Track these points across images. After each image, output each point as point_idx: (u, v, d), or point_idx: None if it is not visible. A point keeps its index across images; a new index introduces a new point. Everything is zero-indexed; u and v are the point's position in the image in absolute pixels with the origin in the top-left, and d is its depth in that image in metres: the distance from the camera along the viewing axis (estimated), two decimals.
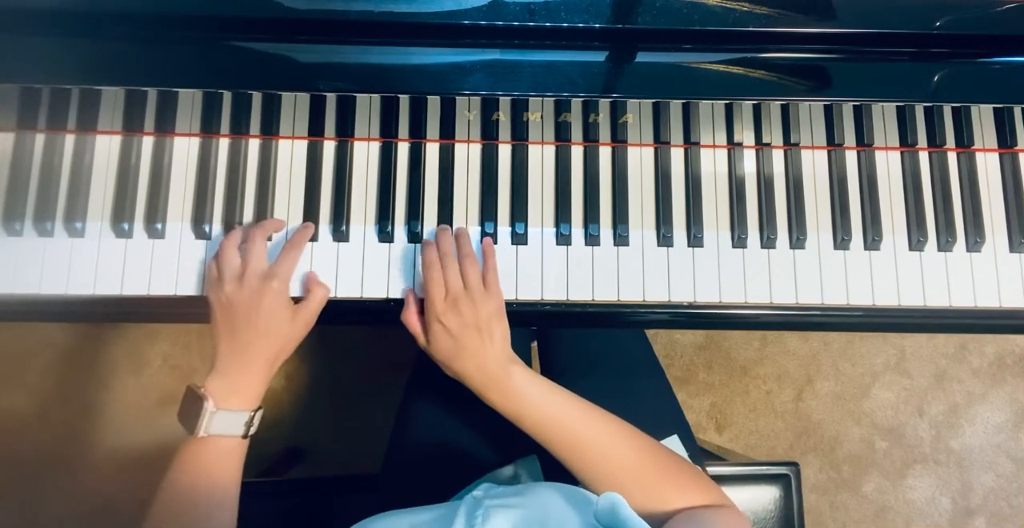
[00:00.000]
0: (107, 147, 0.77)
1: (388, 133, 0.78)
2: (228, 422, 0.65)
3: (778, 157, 0.79)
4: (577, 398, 0.68)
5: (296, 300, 0.72)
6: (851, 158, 0.79)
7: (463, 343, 0.67)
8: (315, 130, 0.78)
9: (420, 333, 0.70)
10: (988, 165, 0.79)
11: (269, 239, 0.75)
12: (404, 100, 0.78)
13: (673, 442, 0.86)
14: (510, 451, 0.85)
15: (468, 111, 0.79)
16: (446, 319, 0.67)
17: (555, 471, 0.84)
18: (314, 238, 0.76)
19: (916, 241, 0.77)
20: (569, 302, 0.75)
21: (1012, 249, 0.77)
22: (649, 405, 0.89)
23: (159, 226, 0.75)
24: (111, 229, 0.75)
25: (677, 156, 0.79)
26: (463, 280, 0.69)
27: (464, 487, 0.81)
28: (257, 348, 0.67)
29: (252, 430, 0.67)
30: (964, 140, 0.79)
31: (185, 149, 0.77)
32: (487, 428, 0.85)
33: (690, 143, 0.79)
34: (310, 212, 0.76)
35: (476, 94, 0.71)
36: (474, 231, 0.76)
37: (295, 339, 0.70)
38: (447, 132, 0.78)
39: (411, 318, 0.71)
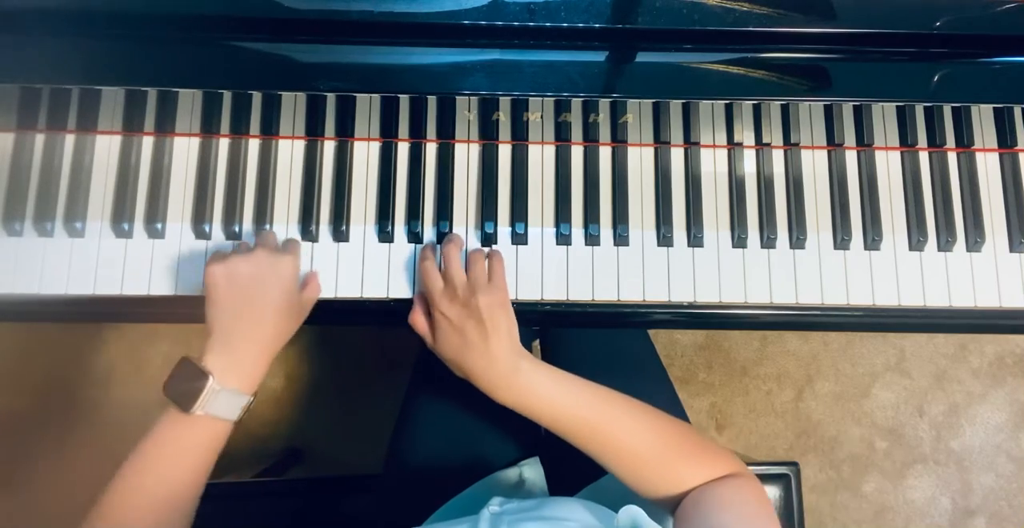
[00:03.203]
0: (107, 147, 0.77)
1: (388, 133, 0.78)
2: (228, 403, 0.61)
3: (778, 157, 0.79)
4: (590, 386, 0.66)
5: None
6: (851, 158, 0.79)
7: (467, 336, 0.65)
8: (315, 130, 0.78)
9: (427, 332, 0.69)
10: (988, 165, 0.79)
11: None
12: (404, 100, 0.78)
13: None
14: (512, 452, 0.85)
15: (468, 111, 0.79)
16: (446, 308, 0.66)
17: (557, 473, 0.84)
18: (314, 238, 0.76)
19: (916, 241, 0.77)
20: (569, 302, 0.75)
21: (1012, 249, 0.77)
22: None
23: (159, 226, 0.75)
24: (111, 229, 0.75)
25: (677, 156, 0.79)
26: (468, 273, 0.68)
27: (466, 487, 0.81)
28: (265, 327, 0.64)
29: (243, 417, 0.63)
30: (964, 140, 0.79)
31: (185, 149, 0.77)
32: (489, 429, 0.85)
33: (690, 143, 0.79)
34: (310, 212, 0.76)
35: (476, 94, 0.72)
36: (474, 231, 0.76)
37: (299, 317, 0.69)
38: (447, 132, 0.78)
39: (418, 319, 0.69)
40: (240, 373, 0.63)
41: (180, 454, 0.61)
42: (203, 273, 0.65)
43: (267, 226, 0.76)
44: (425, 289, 0.69)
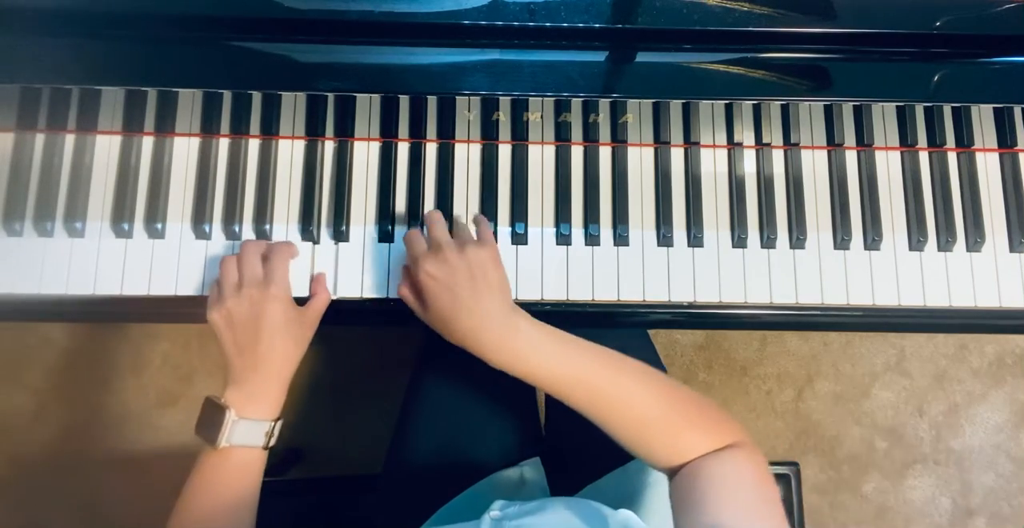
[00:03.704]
0: (107, 147, 0.77)
1: (388, 133, 0.78)
2: (250, 432, 0.65)
3: (778, 157, 0.79)
4: (593, 347, 0.64)
5: (300, 301, 0.72)
6: (851, 158, 0.79)
7: (456, 293, 0.62)
8: (315, 130, 0.78)
9: (415, 301, 0.67)
10: (988, 165, 0.79)
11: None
12: (404, 100, 0.78)
13: None
14: (513, 452, 0.85)
15: (468, 111, 0.79)
16: (432, 267, 0.63)
17: (559, 473, 0.84)
18: (314, 238, 0.76)
19: (916, 241, 0.77)
20: (569, 302, 0.75)
21: (1012, 249, 0.77)
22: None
23: (159, 226, 0.75)
24: (111, 229, 0.75)
25: (677, 156, 0.79)
26: (454, 236, 0.67)
27: (466, 487, 0.81)
28: (269, 358, 0.66)
29: (272, 441, 0.67)
30: (964, 140, 0.79)
31: (185, 149, 0.77)
32: (489, 429, 0.85)
33: (690, 143, 0.79)
34: (310, 212, 0.76)
35: (476, 94, 0.72)
36: (474, 231, 0.76)
37: (305, 340, 0.70)
38: (447, 132, 0.78)
39: (405, 290, 0.68)
40: (257, 403, 0.66)
41: (222, 488, 0.64)
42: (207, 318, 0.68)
43: (267, 226, 0.76)
44: (410, 256, 0.67)
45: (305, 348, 0.70)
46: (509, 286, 0.66)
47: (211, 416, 0.65)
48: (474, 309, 0.62)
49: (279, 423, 0.68)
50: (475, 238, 0.69)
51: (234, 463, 0.65)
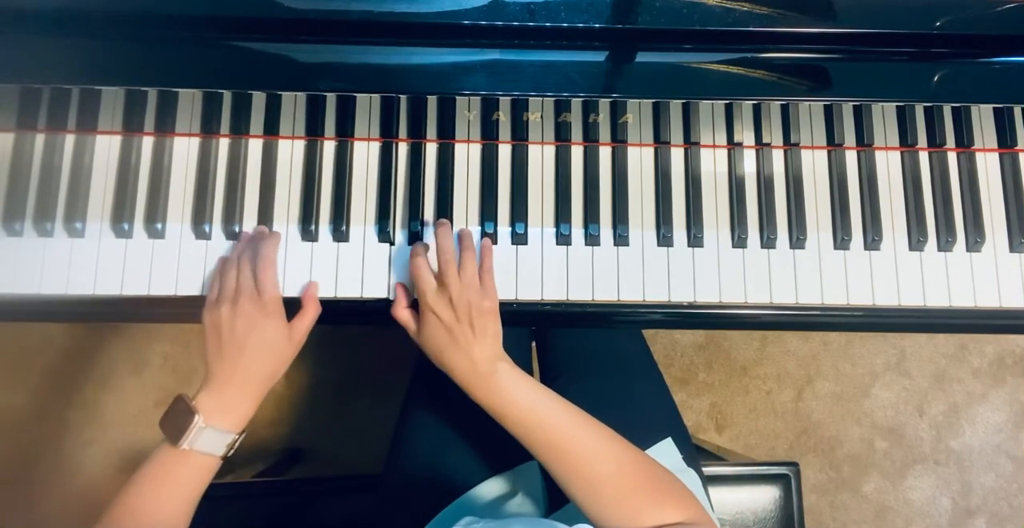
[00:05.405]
0: (107, 147, 0.77)
1: (388, 133, 0.78)
2: (213, 440, 0.65)
3: (778, 157, 0.79)
4: (564, 402, 0.67)
5: (293, 303, 0.72)
6: (851, 158, 0.79)
7: (455, 337, 0.67)
8: (315, 130, 0.78)
9: (411, 323, 0.70)
10: (988, 165, 0.79)
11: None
12: (404, 100, 0.78)
13: (667, 445, 0.85)
14: (512, 455, 0.85)
15: (468, 111, 0.79)
16: (439, 309, 0.67)
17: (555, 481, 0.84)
18: (314, 238, 0.76)
19: (916, 241, 0.77)
20: (569, 302, 0.75)
21: (1012, 249, 0.77)
22: (646, 407, 0.89)
23: (159, 226, 0.75)
24: (111, 229, 0.75)
25: (677, 156, 0.79)
26: (460, 272, 0.68)
27: (463, 490, 0.80)
28: (251, 371, 0.67)
29: (231, 453, 0.67)
30: (964, 140, 0.79)
31: (185, 149, 0.77)
32: (489, 432, 0.84)
33: (690, 143, 0.79)
34: (310, 212, 0.76)
35: (476, 94, 0.72)
36: (474, 231, 0.76)
37: (289, 358, 0.70)
38: (447, 132, 0.78)
39: (401, 311, 0.71)
40: (227, 413, 0.66)
41: (171, 485, 0.65)
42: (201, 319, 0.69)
43: (267, 226, 0.75)
44: (417, 289, 0.70)
45: (286, 367, 0.71)
46: (501, 334, 0.69)
47: (179, 415, 0.65)
48: (466, 351, 0.67)
49: (242, 436, 0.68)
50: (480, 280, 0.69)
51: (189, 465, 0.65)
